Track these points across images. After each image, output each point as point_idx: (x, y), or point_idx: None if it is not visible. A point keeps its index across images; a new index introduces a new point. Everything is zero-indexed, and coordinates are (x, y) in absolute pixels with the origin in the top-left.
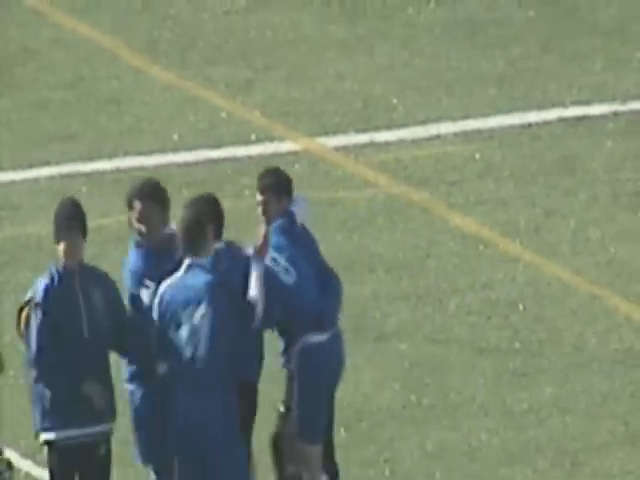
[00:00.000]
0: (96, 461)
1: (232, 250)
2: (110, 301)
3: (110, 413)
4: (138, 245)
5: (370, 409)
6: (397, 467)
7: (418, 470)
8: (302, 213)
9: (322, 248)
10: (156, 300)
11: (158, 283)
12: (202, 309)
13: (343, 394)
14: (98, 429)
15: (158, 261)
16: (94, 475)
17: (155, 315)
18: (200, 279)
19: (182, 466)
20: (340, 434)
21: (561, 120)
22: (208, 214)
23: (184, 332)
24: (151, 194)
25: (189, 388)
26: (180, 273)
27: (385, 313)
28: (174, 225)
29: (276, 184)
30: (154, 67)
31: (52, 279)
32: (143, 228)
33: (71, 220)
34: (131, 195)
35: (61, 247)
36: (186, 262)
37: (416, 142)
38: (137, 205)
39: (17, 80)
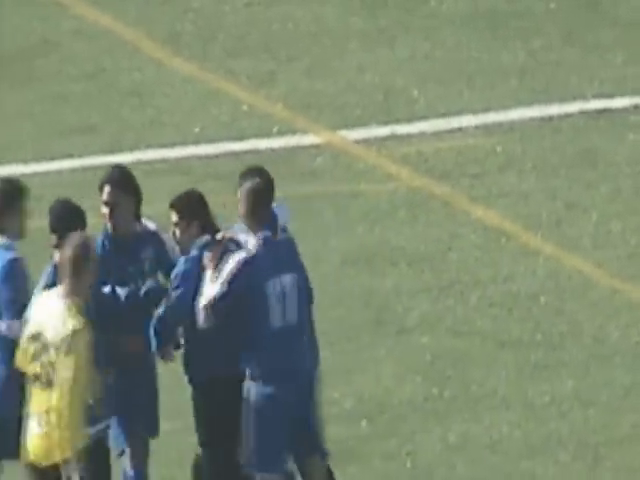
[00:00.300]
0: (104, 454)
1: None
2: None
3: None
4: (103, 238)
5: (392, 402)
6: (419, 460)
7: (440, 462)
8: (283, 217)
9: (343, 241)
10: (232, 275)
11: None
12: (289, 276)
13: (365, 387)
14: (107, 422)
15: (115, 257)
16: (103, 467)
17: (231, 290)
18: (283, 249)
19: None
20: (362, 427)
21: (582, 113)
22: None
23: (272, 300)
24: (120, 180)
25: (287, 344)
26: (257, 248)
27: (407, 306)
28: (148, 222)
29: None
30: (176, 59)
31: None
32: (107, 212)
33: (75, 221)
34: (101, 181)
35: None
36: (261, 236)
37: (437, 135)
38: (105, 189)
39: (38, 72)
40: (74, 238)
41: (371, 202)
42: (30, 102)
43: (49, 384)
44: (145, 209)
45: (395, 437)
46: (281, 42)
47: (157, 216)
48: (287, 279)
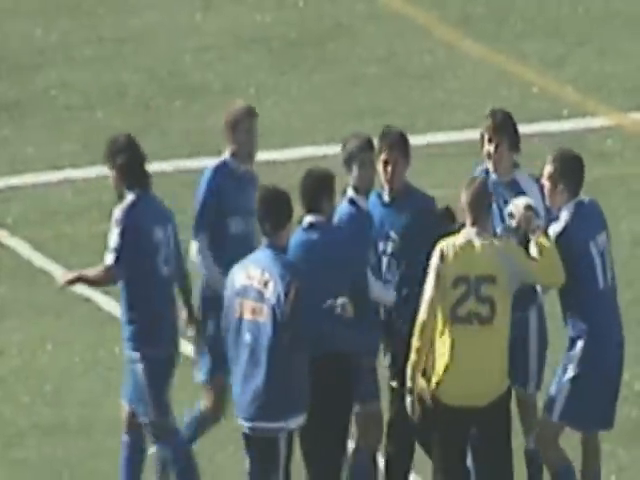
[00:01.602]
0: None
1: None
2: None
3: None
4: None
5: None
6: None
7: None
8: None
9: (634, 223)
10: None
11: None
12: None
13: None
14: None
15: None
16: None
17: None
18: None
19: None
20: None
21: None
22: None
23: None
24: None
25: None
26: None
27: None
28: None
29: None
30: (467, 42)
31: None
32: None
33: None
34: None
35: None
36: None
37: None
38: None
39: (331, 55)
40: (472, 181)
41: None
42: (322, 85)
43: (485, 320)
44: (437, 192)
45: None
46: (571, 25)
47: (450, 199)
48: (603, 238)
